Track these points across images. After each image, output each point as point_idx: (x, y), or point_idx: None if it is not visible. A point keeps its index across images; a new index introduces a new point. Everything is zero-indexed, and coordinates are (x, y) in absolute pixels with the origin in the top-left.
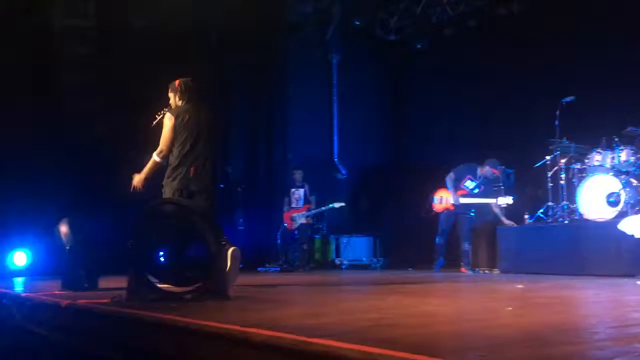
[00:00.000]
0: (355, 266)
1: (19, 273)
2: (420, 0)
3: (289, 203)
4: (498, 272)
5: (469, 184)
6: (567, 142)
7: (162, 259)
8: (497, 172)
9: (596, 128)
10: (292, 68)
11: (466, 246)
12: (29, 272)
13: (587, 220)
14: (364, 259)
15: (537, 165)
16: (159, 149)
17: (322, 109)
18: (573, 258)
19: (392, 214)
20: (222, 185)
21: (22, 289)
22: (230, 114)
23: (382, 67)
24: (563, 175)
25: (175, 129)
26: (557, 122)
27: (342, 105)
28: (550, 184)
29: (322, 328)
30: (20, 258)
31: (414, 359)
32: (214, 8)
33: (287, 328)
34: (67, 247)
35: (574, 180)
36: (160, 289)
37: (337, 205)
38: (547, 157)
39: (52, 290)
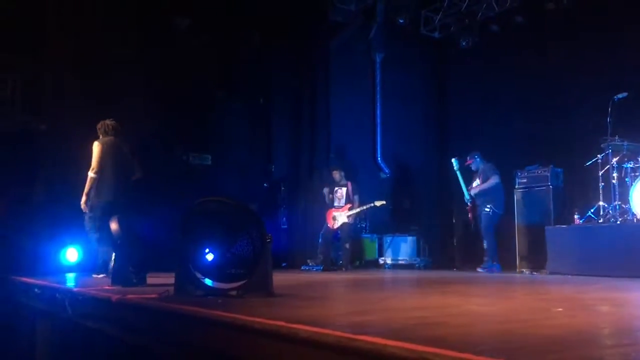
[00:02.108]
0: (398, 265)
1: (70, 269)
2: None
3: (332, 202)
4: (546, 272)
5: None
6: (619, 140)
7: (208, 255)
8: (469, 162)
9: None
10: (335, 66)
11: (485, 244)
12: (80, 268)
13: None
14: (407, 258)
15: (587, 164)
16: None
17: (365, 107)
18: (625, 260)
19: (436, 213)
20: (265, 184)
21: (73, 284)
22: (274, 113)
23: (426, 65)
24: (615, 174)
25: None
26: (609, 119)
27: (386, 104)
28: (602, 184)
29: (368, 325)
30: (72, 254)
31: (460, 357)
32: (258, 7)
33: (332, 325)
34: (117, 244)
35: (626, 179)
36: (206, 285)
37: (378, 203)
38: (599, 156)
39: (102, 285)
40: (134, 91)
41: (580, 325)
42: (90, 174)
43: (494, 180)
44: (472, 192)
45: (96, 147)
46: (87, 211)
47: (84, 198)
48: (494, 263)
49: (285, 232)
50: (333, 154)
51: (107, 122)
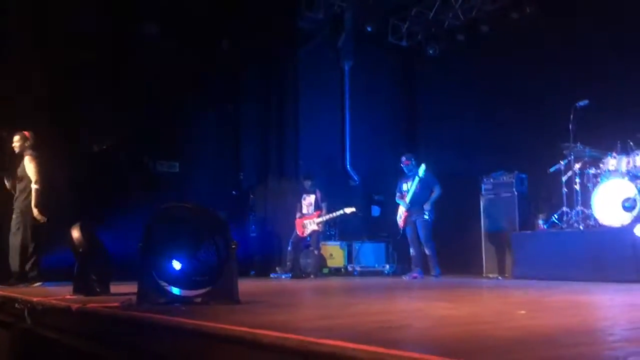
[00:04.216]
0: (367, 272)
1: None
2: (433, 6)
3: (300, 209)
4: (511, 277)
5: (404, 186)
6: (581, 147)
7: (172, 262)
8: (406, 163)
9: (611, 132)
10: (304, 74)
11: (427, 251)
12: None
13: (602, 225)
14: (376, 265)
15: (551, 170)
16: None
17: (334, 115)
18: (588, 264)
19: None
20: (234, 192)
21: (35, 293)
22: (242, 121)
23: (394, 73)
24: (577, 180)
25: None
26: (571, 126)
27: (354, 112)
28: (565, 189)
29: (333, 330)
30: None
31: (420, 359)
32: (227, 13)
33: (297, 330)
34: (78, 252)
35: (588, 185)
36: (170, 292)
37: (348, 210)
38: (562, 162)
39: (64, 294)
40: (100, 97)
41: (542, 327)
42: (35, 186)
43: (438, 191)
44: (425, 207)
45: (31, 160)
46: (43, 220)
47: (37, 210)
48: (437, 268)
49: (254, 240)
50: (302, 162)
51: (29, 134)
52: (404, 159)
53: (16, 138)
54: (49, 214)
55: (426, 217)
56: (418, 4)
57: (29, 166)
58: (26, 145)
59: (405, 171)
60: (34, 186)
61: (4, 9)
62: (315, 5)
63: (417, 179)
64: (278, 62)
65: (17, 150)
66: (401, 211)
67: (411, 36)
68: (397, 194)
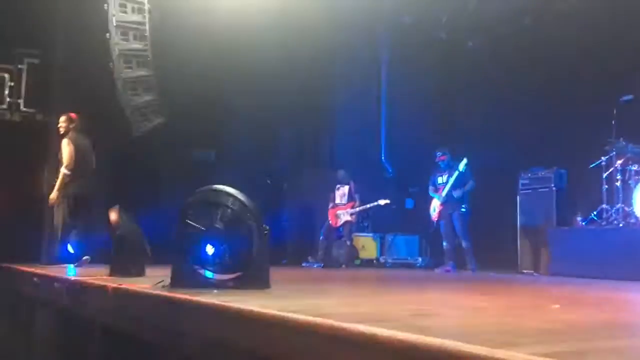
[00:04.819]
0: (399, 264)
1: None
2: None
3: (334, 199)
4: (547, 273)
5: (439, 179)
6: (624, 143)
7: (206, 246)
8: (442, 158)
9: None
10: (340, 65)
11: (464, 244)
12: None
13: None
14: (409, 257)
15: (592, 166)
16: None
17: (370, 107)
18: (627, 262)
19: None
20: (268, 181)
21: (74, 273)
22: (278, 110)
23: (432, 65)
24: (619, 177)
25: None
26: (614, 122)
27: (390, 103)
28: (605, 186)
29: (362, 315)
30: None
31: (451, 346)
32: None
33: (326, 315)
34: (116, 234)
35: (630, 182)
36: (203, 276)
37: (382, 202)
38: (603, 158)
39: (100, 275)
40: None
41: (577, 320)
42: (64, 171)
43: (472, 185)
44: (455, 194)
45: (67, 144)
46: (57, 205)
47: (56, 194)
48: (474, 262)
49: (286, 229)
50: (337, 153)
51: (73, 116)
52: (439, 154)
53: (62, 119)
54: (87, 196)
55: (463, 210)
56: None
57: (65, 149)
58: (70, 127)
59: (442, 166)
60: (63, 169)
61: None
62: None
63: (456, 173)
64: (315, 51)
65: (61, 131)
66: (435, 204)
67: (450, 28)
68: (431, 187)
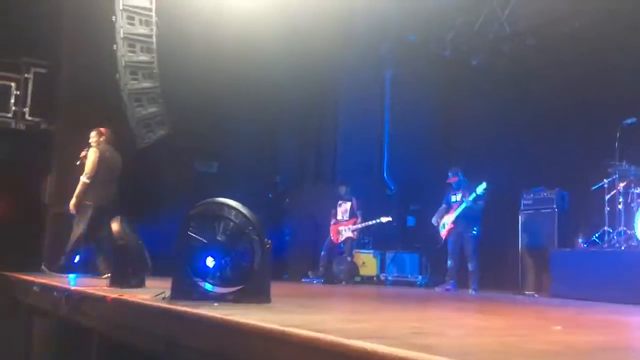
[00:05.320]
0: (399, 282)
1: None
2: (479, 17)
3: (335, 215)
4: (548, 295)
5: (453, 198)
6: (627, 165)
7: (207, 258)
8: (454, 179)
9: None
10: (344, 81)
11: (470, 267)
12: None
13: None
14: (409, 275)
15: (594, 188)
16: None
17: (373, 123)
18: (628, 286)
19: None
20: (270, 195)
21: (73, 283)
22: (281, 125)
23: (436, 83)
24: (621, 200)
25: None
26: (617, 144)
27: (393, 120)
28: (608, 208)
29: (362, 332)
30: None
31: None
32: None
33: (326, 330)
34: (117, 245)
35: (632, 205)
36: (203, 288)
37: (384, 219)
38: (605, 180)
39: (101, 285)
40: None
41: (577, 342)
42: (84, 179)
43: (482, 204)
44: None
45: (93, 153)
46: (75, 213)
47: (74, 201)
48: (476, 285)
49: (288, 244)
50: (339, 169)
51: (103, 130)
52: (450, 174)
53: (92, 134)
54: (110, 209)
55: (474, 232)
56: (464, 14)
57: (90, 157)
58: (101, 140)
59: (454, 187)
60: (82, 177)
61: None
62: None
63: (473, 195)
64: (320, 66)
65: (92, 145)
66: (447, 220)
67: (455, 46)
68: (444, 205)
